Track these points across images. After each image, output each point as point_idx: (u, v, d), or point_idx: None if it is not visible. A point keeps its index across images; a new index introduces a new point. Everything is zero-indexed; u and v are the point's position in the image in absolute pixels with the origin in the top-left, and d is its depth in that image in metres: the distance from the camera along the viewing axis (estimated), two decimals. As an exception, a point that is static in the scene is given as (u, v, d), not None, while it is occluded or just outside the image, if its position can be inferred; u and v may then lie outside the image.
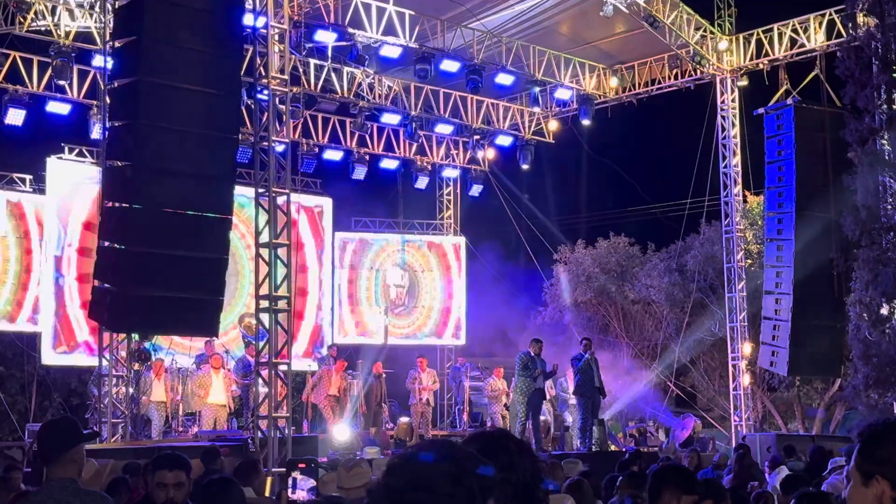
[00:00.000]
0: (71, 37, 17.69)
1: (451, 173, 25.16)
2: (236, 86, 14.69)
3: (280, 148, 15.54)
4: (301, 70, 19.68)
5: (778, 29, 20.74)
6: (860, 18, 18.38)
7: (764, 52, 20.96)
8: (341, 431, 17.65)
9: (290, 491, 3.46)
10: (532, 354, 17.71)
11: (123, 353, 15.53)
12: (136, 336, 15.50)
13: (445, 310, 24.75)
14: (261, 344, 15.04)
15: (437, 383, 20.95)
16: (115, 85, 14.24)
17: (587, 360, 17.76)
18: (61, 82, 18.00)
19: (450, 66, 19.50)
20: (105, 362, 15.25)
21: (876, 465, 2.59)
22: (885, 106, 17.65)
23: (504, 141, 23.92)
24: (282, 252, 15.04)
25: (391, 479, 2.08)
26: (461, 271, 25.15)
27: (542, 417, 18.57)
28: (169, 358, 17.81)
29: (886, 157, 17.79)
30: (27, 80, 18.38)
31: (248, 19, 15.31)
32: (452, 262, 25.05)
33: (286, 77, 15.76)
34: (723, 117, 21.53)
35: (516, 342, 26.41)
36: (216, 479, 5.63)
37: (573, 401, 18.63)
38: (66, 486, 4.64)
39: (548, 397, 19.28)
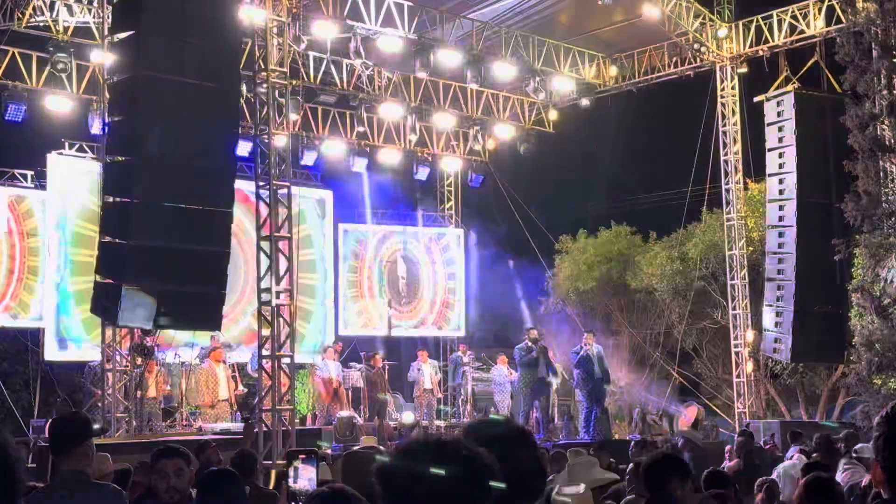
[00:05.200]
0: (69, 32, 17.67)
1: (451, 164, 25.13)
2: (235, 79, 14.70)
3: (280, 141, 15.54)
4: (300, 63, 19.66)
5: (777, 15, 20.70)
6: (859, 4, 18.35)
7: (763, 38, 20.92)
8: (344, 412, 17.74)
9: (291, 481, 3.47)
10: (529, 344, 17.84)
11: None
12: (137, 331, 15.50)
13: (446, 301, 24.77)
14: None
15: (439, 375, 21.02)
16: (115, 80, 14.25)
17: (583, 356, 17.87)
18: (60, 73, 17.92)
19: (449, 56, 19.48)
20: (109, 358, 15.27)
21: (875, 450, 2.70)
22: (885, 91, 17.63)
23: (504, 131, 23.90)
24: (282, 245, 15.04)
25: (385, 484, 2.08)
26: (462, 262, 25.17)
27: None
28: (171, 353, 17.80)
29: (887, 143, 17.77)
30: (26, 76, 18.35)
31: (246, 12, 15.30)
32: (453, 252, 25.06)
33: (285, 70, 15.75)
34: (723, 104, 21.50)
35: (518, 332, 26.48)
36: (217, 471, 5.65)
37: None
38: (79, 479, 4.68)
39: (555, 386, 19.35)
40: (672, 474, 5.11)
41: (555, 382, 19.31)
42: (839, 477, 8.51)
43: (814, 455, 11.01)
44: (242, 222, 19.17)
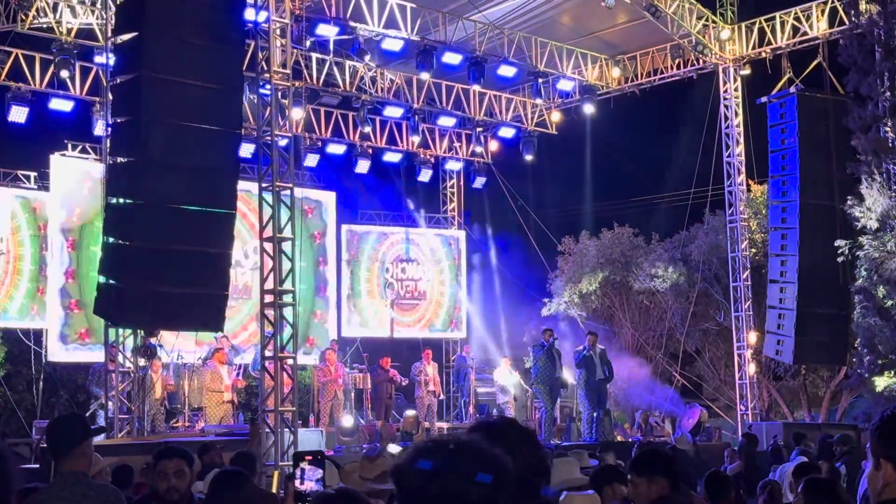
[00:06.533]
0: (73, 34, 17.69)
1: (454, 166, 25.15)
2: (238, 80, 14.72)
3: (283, 142, 15.55)
4: (303, 64, 19.69)
5: (780, 17, 20.70)
6: (862, 5, 18.37)
7: (766, 40, 20.92)
8: (347, 420, 17.73)
9: (297, 482, 3.48)
10: (547, 344, 17.92)
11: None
12: (141, 332, 15.50)
13: (448, 302, 24.76)
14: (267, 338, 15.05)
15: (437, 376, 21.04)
16: (118, 81, 14.26)
17: (587, 355, 17.88)
18: (64, 74, 17.94)
19: (452, 58, 19.50)
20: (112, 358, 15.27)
21: (883, 450, 2.66)
22: (888, 93, 17.64)
23: (507, 133, 23.91)
24: (286, 246, 15.04)
25: (399, 483, 2.10)
26: (464, 264, 25.17)
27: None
28: (174, 354, 17.80)
29: (890, 145, 17.77)
30: (30, 78, 18.39)
31: (249, 14, 15.32)
32: (455, 254, 25.07)
33: (288, 71, 15.77)
34: (726, 106, 21.50)
35: (521, 334, 26.45)
36: (230, 471, 5.68)
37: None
38: (79, 479, 4.69)
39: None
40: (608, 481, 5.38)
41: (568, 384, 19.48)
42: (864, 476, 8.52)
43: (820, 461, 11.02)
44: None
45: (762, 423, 19.52)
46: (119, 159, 14.12)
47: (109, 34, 15.23)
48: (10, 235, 19.32)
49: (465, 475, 2.05)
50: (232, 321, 20.37)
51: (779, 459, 12.68)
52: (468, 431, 2.72)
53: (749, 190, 22.89)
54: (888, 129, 17.72)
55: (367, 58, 18.73)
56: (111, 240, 13.67)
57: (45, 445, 13.21)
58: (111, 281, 13.61)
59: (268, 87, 15.26)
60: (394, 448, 15.40)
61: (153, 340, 15.84)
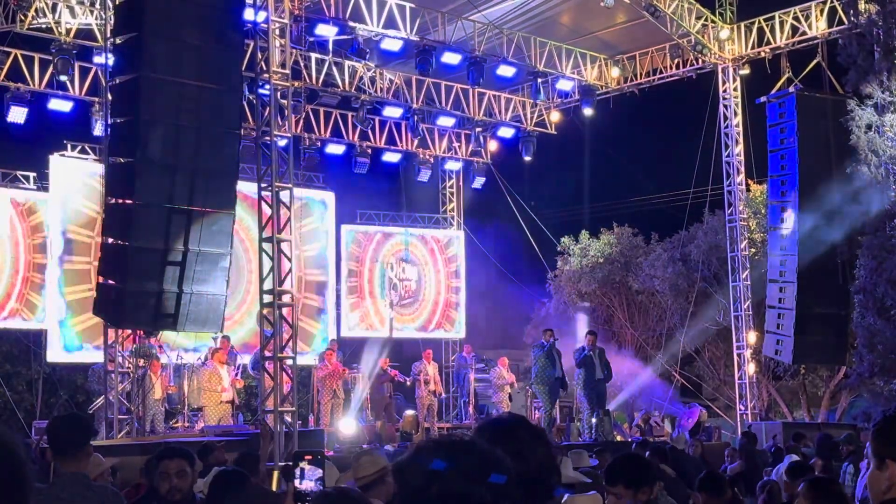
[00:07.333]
0: (72, 34, 17.68)
1: (453, 166, 25.14)
2: (237, 81, 14.72)
3: (282, 142, 15.54)
4: (302, 64, 19.68)
5: (779, 17, 20.71)
6: (861, 5, 18.37)
7: (765, 40, 20.93)
8: (347, 425, 17.70)
9: (297, 481, 3.47)
10: (547, 345, 17.93)
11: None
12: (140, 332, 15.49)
13: (447, 302, 24.75)
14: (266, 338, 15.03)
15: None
16: (117, 81, 14.26)
17: (587, 355, 17.88)
18: (63, 79, 17.97)
19: (451, 58, 19.50)
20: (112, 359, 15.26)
21: (888, 450, 2.64)
22: (887, 92, 17.63)
23: (506, 133, 23.90)
24: (285, 247, 15.03)
25: (401, 483, 2.08)
26: (463, 264, 25.15)
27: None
28: (174, 354, 17.79)
29: (889, 144, 17.77)
30: (29, 78, 18.38)
31: (248, 14, 15.31)
32: (454, 254, 25.05)
33: (287, 71, 15.75)
34: (725, 106, 21.50)
35: (520, 334, 26.45)
36: (229, 471, 5.67)
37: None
38: (78, 480, 4.67)
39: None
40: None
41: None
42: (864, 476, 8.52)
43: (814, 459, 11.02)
44: (248, 224, 19.30)
45: (762, 423, 19.51)
46: (118, 159, 14.12)
47: (108, 34, 15.21)
48: (21, 240, 19.31)
49: (478, 475, 2.03)
50: (243, 328, 20.54)
51: (779, 459, 12.68)
52: (475, 431, 2.70)
53: (748, 190, 22.89)
54: (888, 128, 17.72)
55: (367, 57, 18.75)
56: (110, 240, 13.67)
57: (45, 445, 13.21)
58: (110, 281, 13.61)
59: (267, 87, 15.24)
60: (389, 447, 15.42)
61: (152, 341, 15.84)
